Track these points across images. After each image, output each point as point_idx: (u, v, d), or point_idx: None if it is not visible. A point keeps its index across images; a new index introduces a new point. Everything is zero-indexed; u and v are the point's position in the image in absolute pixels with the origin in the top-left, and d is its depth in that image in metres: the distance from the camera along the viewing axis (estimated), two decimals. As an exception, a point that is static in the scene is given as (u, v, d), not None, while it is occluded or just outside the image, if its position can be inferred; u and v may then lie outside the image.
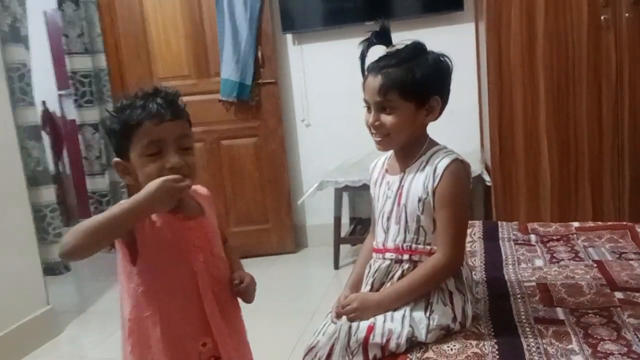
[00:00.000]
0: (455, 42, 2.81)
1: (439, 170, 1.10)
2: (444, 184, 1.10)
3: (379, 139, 1.15)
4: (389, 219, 1.17)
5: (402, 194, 1.15)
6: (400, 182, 1.16)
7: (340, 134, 3.04)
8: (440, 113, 1.16)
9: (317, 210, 3.15)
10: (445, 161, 1.11)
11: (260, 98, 3.05)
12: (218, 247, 1.13)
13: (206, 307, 1.06)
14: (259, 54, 2.98)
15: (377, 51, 1.16)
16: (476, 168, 2.54)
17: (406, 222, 1.14)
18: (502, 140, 2.43)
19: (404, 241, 1.14)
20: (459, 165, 1.11)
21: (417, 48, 1.13)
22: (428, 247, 1.13)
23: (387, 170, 1.22)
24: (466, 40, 2.88)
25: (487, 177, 2.52)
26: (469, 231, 1.75)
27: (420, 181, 1.13)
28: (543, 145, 2.39)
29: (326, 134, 3.12)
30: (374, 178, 1.26)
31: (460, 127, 2.87)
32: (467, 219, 1.16)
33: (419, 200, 1.12)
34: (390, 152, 1.23)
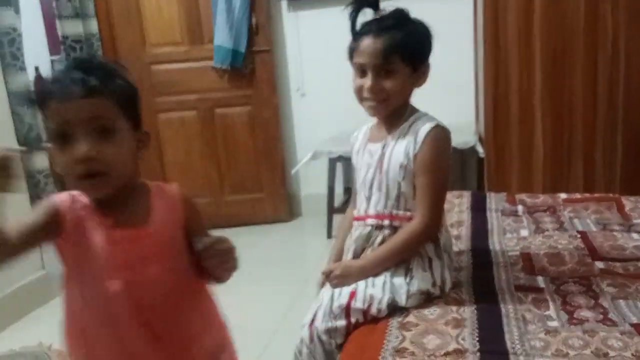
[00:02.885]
0: (454, 11, 2.77)
1: (421, 136, 1.11)
2: (425, 150, 1.10)
3: (374, 103, 1.13)
4: (371, 186, 1.17)
5: (384, 160, 1.15)
6: (383, 149, 1.16)
7: (336, 103, 2.99)
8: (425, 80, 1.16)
9: (311, 180, 3.16)
10: (427, 127, 1.11)
11: (254, 66, 3.01)
12: (160, 264, 0.87)
13: (128, 344, 0.85)
14: (253, 20, 2.93)
15: (362, 16, 1.15)
16: (470, 140, 2.54)
17: (387, 188, 1.14)
18: (497, 111, 2.41)
19: (385, 207, 1.15)
20: (440, 131, 1.12)
21: (403, 15, 1.11)
22: (408, 214, 1.14)
23: (369, 139, 1.22)
24: (464, 10, 2.82)
25: (480, 150, 2.52)
26: (457, 201, 1.76)
27: (402, 147, 1.13)
28: (537, 116, 2.38)
29: (321, 103, 3.09)
30: (355, 147, 1.25)
31: (456, 99, 2.84)
32: (447, 185, 1.17)
33: (401, 167, 1.12)
34: (373, 121, 1.23)
